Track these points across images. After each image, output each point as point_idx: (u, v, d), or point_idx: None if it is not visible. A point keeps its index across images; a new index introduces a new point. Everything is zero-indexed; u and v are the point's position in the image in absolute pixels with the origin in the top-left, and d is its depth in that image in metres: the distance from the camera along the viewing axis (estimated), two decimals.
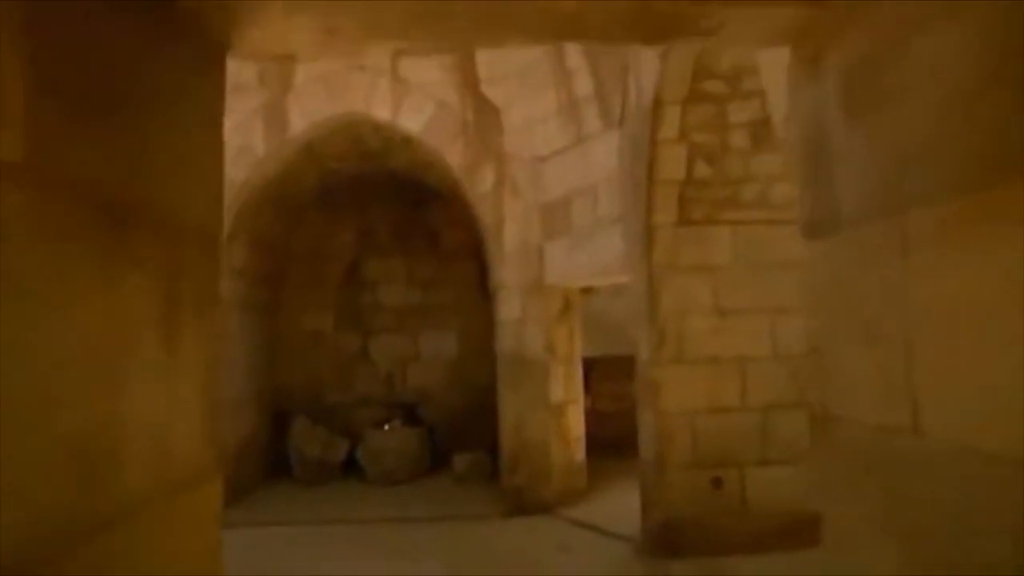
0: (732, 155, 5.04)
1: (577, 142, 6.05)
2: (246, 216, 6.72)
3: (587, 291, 7.12)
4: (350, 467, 7.52)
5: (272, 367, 7.77)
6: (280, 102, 6.41)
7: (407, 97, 6.45)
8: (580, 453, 6.52)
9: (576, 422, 6.50)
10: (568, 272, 6.14)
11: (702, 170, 5.07)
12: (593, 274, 5.96)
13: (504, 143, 6.45)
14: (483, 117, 6.49)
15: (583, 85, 5.88)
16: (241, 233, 6.75)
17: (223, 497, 1.65)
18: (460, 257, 8.27)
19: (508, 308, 6.37)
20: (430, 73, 6.43)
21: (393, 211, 8.29)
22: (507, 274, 6.37)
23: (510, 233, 6.40)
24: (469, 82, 6.46)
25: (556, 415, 6.32)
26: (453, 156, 6.44)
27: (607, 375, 8.22)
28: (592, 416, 7.31)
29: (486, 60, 6.40)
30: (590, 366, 7.45)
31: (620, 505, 5.82)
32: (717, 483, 4.95)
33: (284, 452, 7.62)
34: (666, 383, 5.03)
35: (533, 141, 6.39)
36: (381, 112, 6.43)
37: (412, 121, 6.43)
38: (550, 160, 6.32)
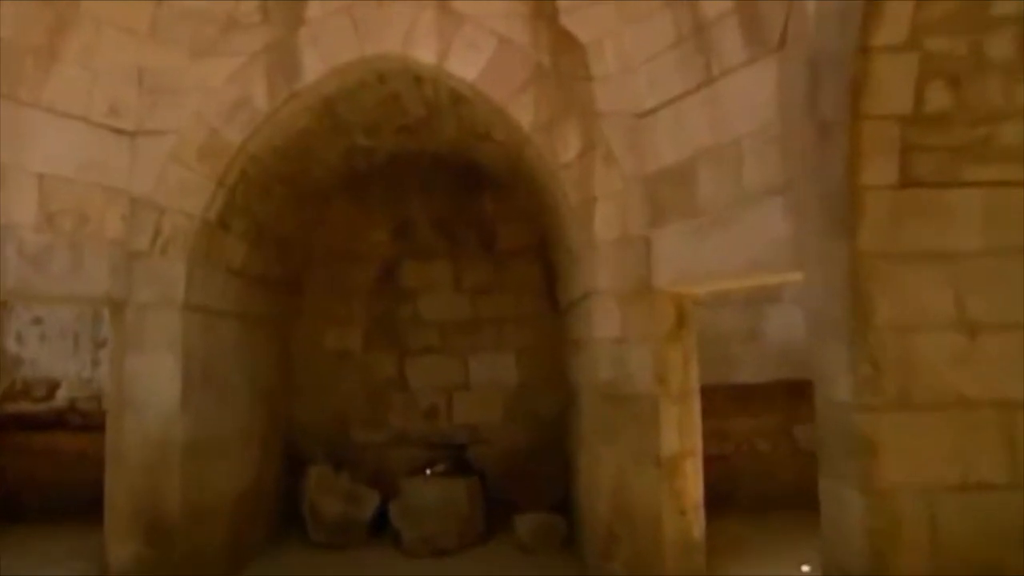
0: (989, 74, 3.01)
1: (704, 83, 4.04)
2: (245, 196, 4.83)
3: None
4: (380, 527, 5.54)
5: (284, 397, 5.86)
6: (289, 42, 4.51)
7: (459, 33, 4.53)
8: (699, 525, 4.46)
9: (695, 482, 4.44)
10: (691, 270, 4.12)
11: (940, 99, 3.03)
12: (735, 271, 3.92)
13: (593, 93, 4.49)
14: (563, 59, 4.52)
15: None
16: (237, 219, 4.86)
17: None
18: (520, 258, 6.30)
19: (601, 323, 4.35)
20: (490, 6, 4.51)
21: (437, 202, 6.35)
22: (600, 275, 4.36)
23: (603, 218, 4.40)
24: (543, 11, 4.52)
25: (669, 473, 4.28)
26: (521, 112, 4.47)
27: (708, 410, 6.16)
28: None
29: None
30: None
31: None
32: None
33: (297, 506, 5.69)
34: (884, 441, 2.98)
35: (634, 89, 4.39)
36: (424, 53, 4.50)
37: (465, 64, 4.48)
38: (660, 113, 4.31)
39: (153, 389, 4.30)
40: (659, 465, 4.27)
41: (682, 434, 4.42)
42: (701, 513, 4.48)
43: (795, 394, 6.50)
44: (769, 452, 6.20)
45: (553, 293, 6.11)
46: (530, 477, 5.91)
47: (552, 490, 5.83)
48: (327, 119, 5.05)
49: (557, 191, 4.57)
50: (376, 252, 6.29)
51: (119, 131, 4.36)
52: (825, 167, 3.28)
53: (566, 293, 5.48)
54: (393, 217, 6.31)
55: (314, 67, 4.49)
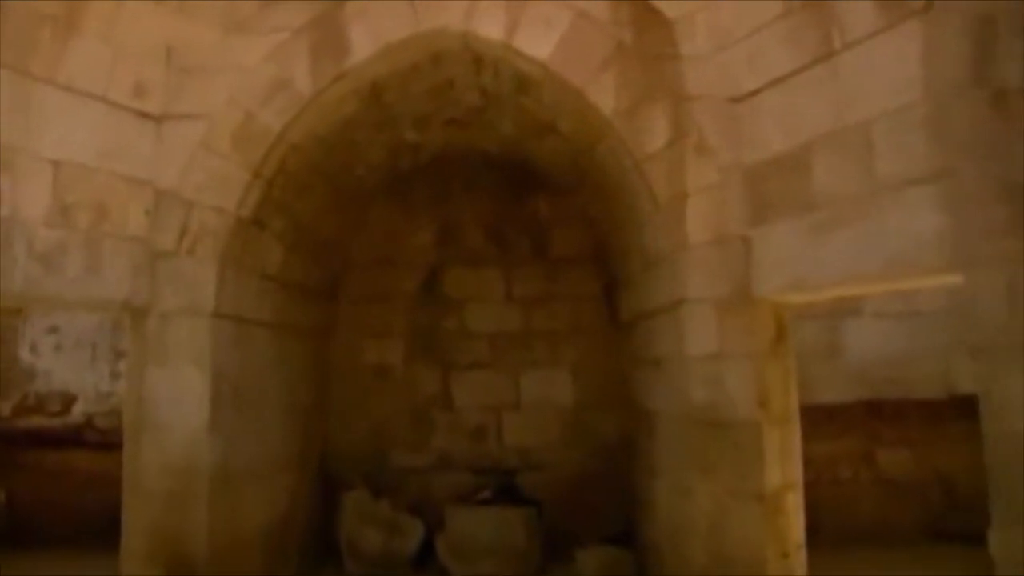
0: None
1: (821, 58, 3.38)
2: (284, 191, 4.20)
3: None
4: (426, 560, 4.87)
5: (320, 415, 5.21)
6: (335, 17, 3.90)
7: (528, 6, 3.90)
8: (803, 568, 3.77)
9: (797, 520, 3.75)
10: (807, 274, 3.42)
11: None
12: (870, 275, 3.21)
13: (683, 75, 3.85)
14: (647, 36, 3.88)
15: None
16: (275, 218, 4.23)
17: None
18: (576, 266, 5.61)
19: (695, 337, 3.67)
20: None
21: (485, 204, 5.69)
22: (693, 281, 3.69)
23: (697, 215, 3.73)
24: None
25: (772, 510, 3.60)
26: (601, 95, 3.82)
27: None
28: None
29: None
30: None
31: None
32: None
33: (332, 536, 5.02)
34: None
35: (731, 69, 3.74)
36: (489, 28, 3.87)
37: (536, 40, 3.84)
38: (762, 95, 3.65)
39: (178, 408, 3.65)
40: (762, 501, 3.57)
41: (784, 465, 3.72)
42: (803, 555, 3.79)
43: (876, 415, 5.81)
44: (850, 480, 5.49)
45: (612, 304, 5.45)
46: (587, 507, 5.21)
47: (611, 521, 5.13)
48: (374, 108, 4.42)
49: (637, 186, 3.90)
50: (419, 258, 5.64)
51: (143, 114, 3.75)
52: (1003, 147, 2.63)
53: (634, 304, 4.81)
54: (437, 220, 5.66)
55: (363, 45, 3.86)
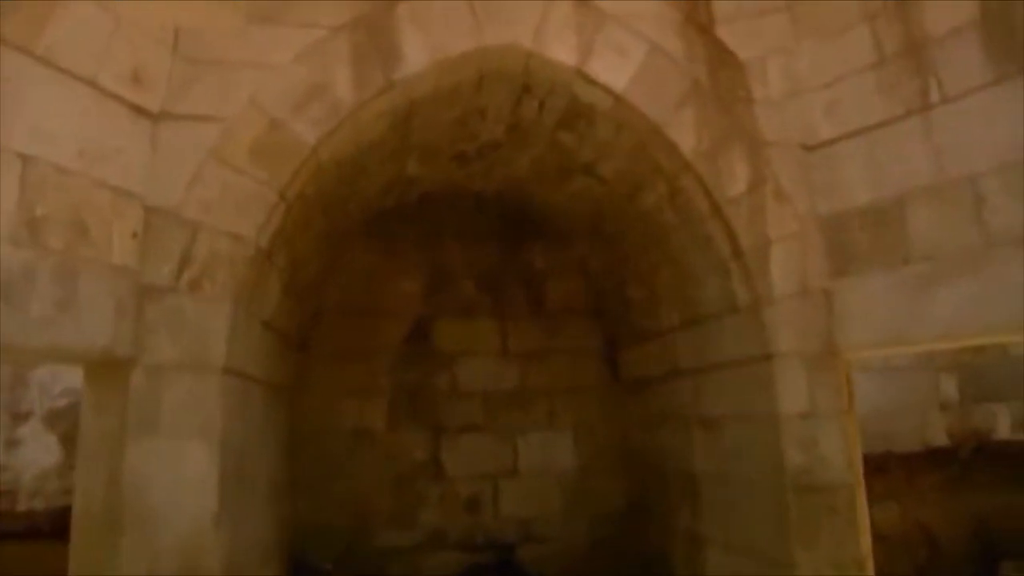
0: None
1: (917, 110, 3.10)
2: (296, 221, 3.29)
3: None
4: None
5: (288, 486, 4.13)
6: (384, 19, 3.14)
7: (601, 32, 3.36)
8: None
9: None
10: (907, 328, 3.03)
11: None
12: (987, 328, 2.89)
13: (756, 119, 3.46)
14: (721, 75, 3.46)
15: (948, 10, 3.02)
16: (281, 252, 3.30)
17: None
18: (575, 318, 4.99)
19: (788, 394, 3.17)
20: (637, 4, 3.41)
21: (479, 250, 4.96)
22: (783, 334, 3.22)
23: (780, 265, 3.30)
24: (696, 17, 3.48)
25: None
26: (682, 133, 3.32)
27: None
28: None
29: None
30: None
31: None
32: None
33: None
34: None
35: (805, 116, 3.40)
36: (560, 51, 3.28)
37: (612, 70, 3.28)
38: (841, 145, 3.31)
39: (175, 496, 2.58)
40: (861, 569, 3.10)
41: (865, 530, 3.30)
42: None
43: (869, 470, 5.63)
44: None
45: (614, 361, 4.88)
46: None
47: None
48: (398, 133, 3.64)
49: (711, 233, 3.40)
50: (405, 307, 4.78)
51: (139, 109, 2.75)
52: None
53: (660, 360, 4.27)
54: (426, 266, 4.85)
55: (417, 54, 3.12)
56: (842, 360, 3.27)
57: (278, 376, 3.75)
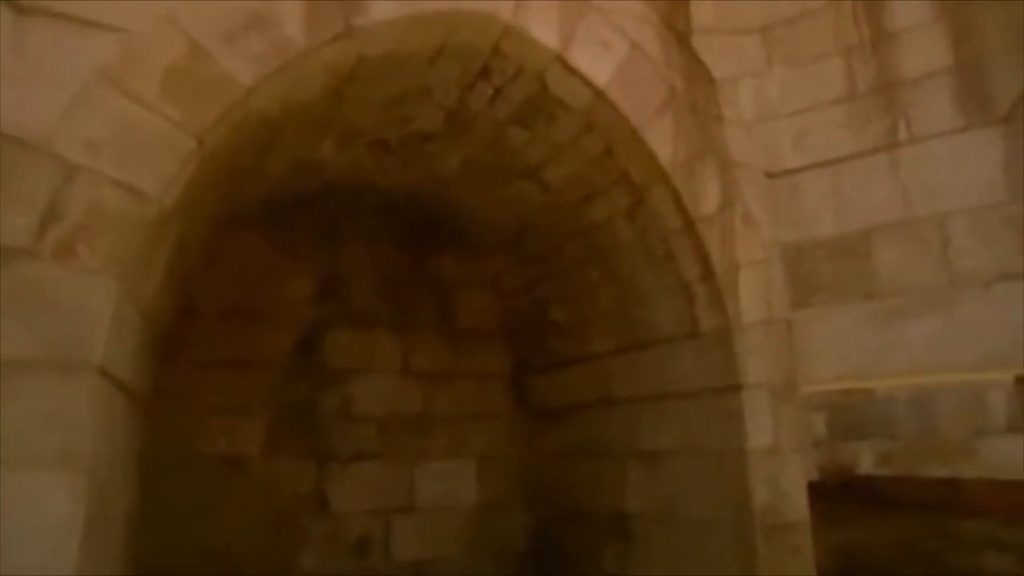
0: None
1: (885, 147, 3.06)
2: (208, 183, 2.51)
3: None
4: None
5: (139, 522, 3.12)
6: None
7: (583, 20, 2.96)
8: None
9: None
10: (872, 363, 2.92)
11: None
12: (953, 364, 2.83)
13: (726, 139, 3.24)
14: (696, 89, 3.23)
15: (923, 55, 3.00)
16: (175, 222, 2.48)
17: None
18: (485, 338, 4.46)
19: (756, 428, 2.90)
20: None
21: (382, 254, 4.26)
22: (751, 364, 2.96)
23: (750, 292, 3.07)
24: (675, 24, 3.21)
25: None
26: (660, 140, 2.98)
27: None
28: None
29: None
30: None
31: None
32: None
33: None
34: None
35: (773, 143, 3.26)
36: (542, 31, 2.83)
37: (594, 61, 2.88)
38: (807, 175, 3.20)
39: (21, 551, 1.72)
40: None
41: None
42: None
43: None
44: None
45: (523, 387, 4.41)
46: None
47: None
48: (328, 101, 2.96)
49: (679, 252, 3.11)
50: (295, 312, 3.95)
51: None
52: None
53: (585, 387, 3.87)
54: (322, 267, 4.07)
55: (387, 2, 2.54)
56: (802, 394, 3.11)
57: (143, 385, 2.85)
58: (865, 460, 5.36)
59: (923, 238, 2.96)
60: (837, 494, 5.28)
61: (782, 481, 2.90)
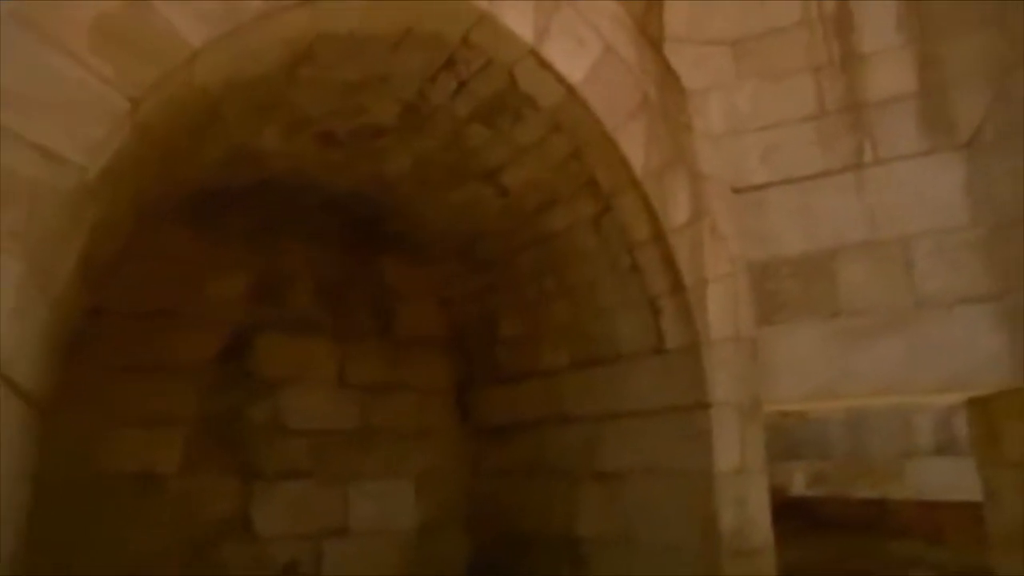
0: None
1: (851, 167, 3.03)
2: (140, 157, 2.17)
3: None
4: None
5: (31, 554, 2.66)
6: None
7: (558, 14, 2.80)
8: None
9: None
10: (838, 382, 2.84)
11: None
12: (925, 385, 2.79)
13: (695, 150, 3.13)
14: (668, 97, 3.12)
15: (890, 78, 3.00)
16: (100, 200, 2.13)
17: None
18: (427, 349, 4.17)
19: (724, 448, 2.77)
20: None
21: (322, 256, 3.92)
22: (719, 381, 2.83)
23: (718, 307, 2.96)
24: (648, 30, 3.10)
25: None
26: (632, 145, 2.83)
27: None
28: None
29: (685, 2, 3.15)
30: None
31: None
32: None
33: None
34: None
35: (741, 157, 3.18)
36: (516, 21, 2.64)
37: (569, 58, 2.72)
38: (774, 191, 3.13)
39: None
40: None
41: None
42: None
43: None
44: None
45: (466, 403, 4.16)
46: None
47: None
48: (283, 80, 2.68)
49: (646, 264, 2.96)
50: (223, 314, 3.55)
51: None
52: None
53: (535, 405, 3.67)
54: (255, 266, 3.68)
55: None
56: (765, 412, 3.03)
57: (43, 390, 2.45)
58: (798, 481, 5.42)
59: (888, 259, 2.96)
60: (772, 515, 5.29)
61: (749, 504, 2.79)
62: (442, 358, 4.19)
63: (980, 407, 3.03)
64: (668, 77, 3.09)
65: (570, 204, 3.20)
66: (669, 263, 2.90)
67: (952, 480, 5.02)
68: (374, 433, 3.89)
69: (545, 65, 2.71)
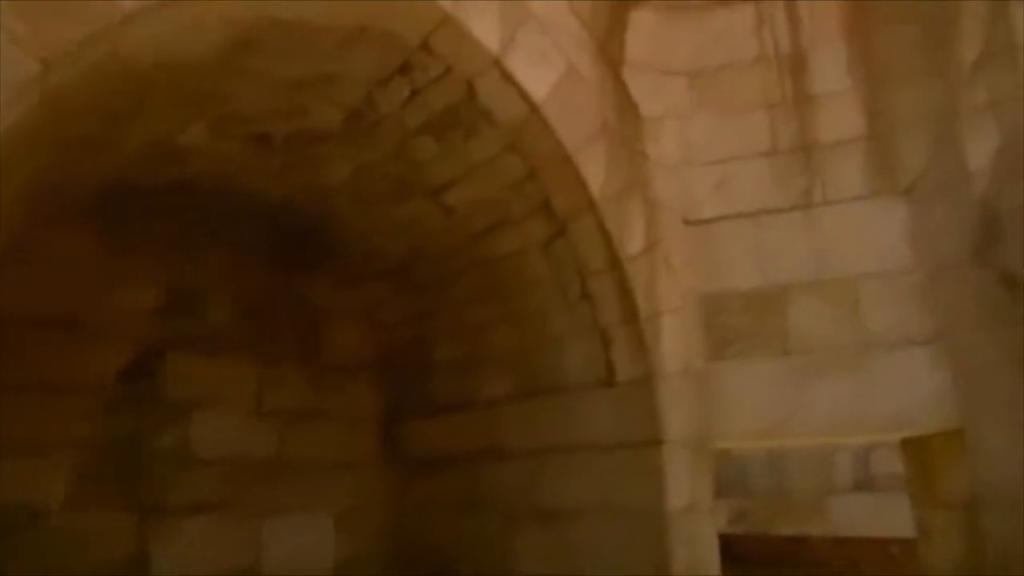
0: None
1: (802, 206, 3.03)
2: (48, 134, 1.86)
3: None
4: None
5: None
6: None
7: (524, 27, 2.67)
8: None
9: None
10: (788, 420, 2.78)
11: None
12: (872, 424, 2.77)
13: (650, 178, 3.06)
14: (626, 123, 3.04)
15: (840, 121, 3.03)
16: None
17: None
18: (354, 377, 3.86)
19: (675, 485, 2.64)
20: (560, 13, 2.82)
21: (245, 269, 3.57)
22: (672, 416, 2.71)
23: (670, 337, 2.85)
24: (608, 54, 3.01)
25: None
26: (593, 168, 2.73)
27: None
28: None
29: (647, 29, 3.10)
30: None
31: None
32: None
33: None
34: None
35: (693, 189, 3.13)
36: (483, 29, 2.49)
37: (533, 72, 2.59)
38: (724, 224, 3.09)
39: None
40: None
41: None
42: None
43: None
44: None
45: (394, 434, 3.87)
46: None
47: None
48: (221, 68, 2.42)
49: (599, 292, 2.84)
50: (129, 327, 3.12)
51: None
52: (1007, 320, 2.62)
53: (473, 438, 3.44)
54: (169, 277, 3.30)
55: None
56: (718, 449, 2.95)
57: None
58: (721, 518, 5.40)
59: (836, 298, 2.97)
60: None
61: (698, 542, 2.68)
62: (370, 385, 3.91)
63: (915, 447, 3.07)
64: (626, 102, 3.03)
65: (520, 227, 3.07)
66: (624, 292, 2.80)
67: (869, 516, 5.16)
68: (293, 464, 3.55)
69: (509, 79, 2.58)
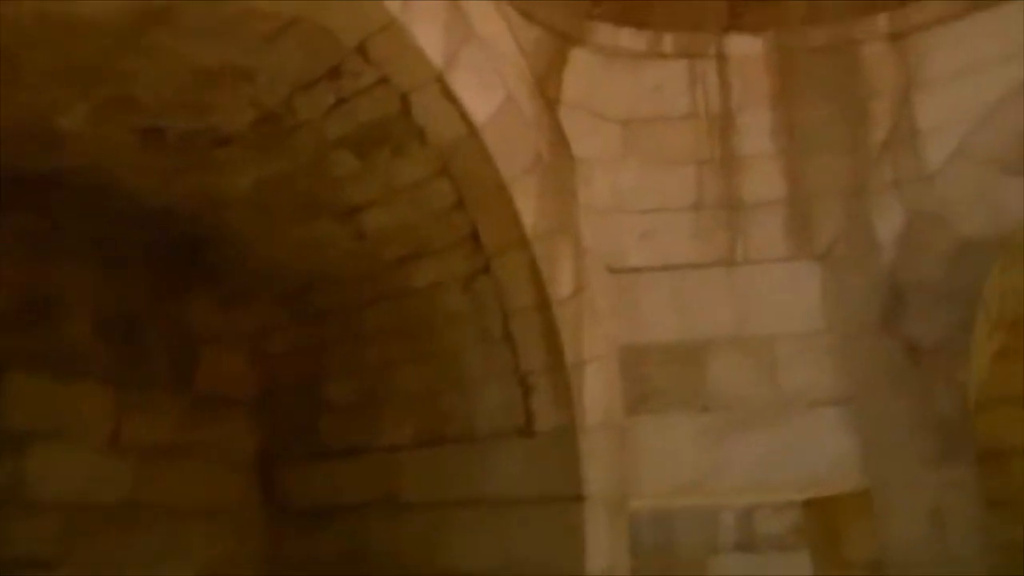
0: None
1: (725, 262, 3.03)
2: None
3: None
4: None
5: None
6: None
7: (466, 47, 2.51)
8: None
9: None
10: (706, 477, 2.71)
11: None
12: (786, 484, 2.73)
13: (580, 223, 2.94)
14: (559, 161, 2.91)
15: (762, 183, 3.08)
16: None
17: None
18: (231, 411, 3.39)
19: (595, 546, 2.43)
20: (502, 40, 2.69)
21: (114, 281, 3.06)
22: (593, 472, 2.51)
23: (593, 388, 2.68)
24: (545, 89, 2.89)
25: None
26: (526, 201, 2.56)
27: None
28: None
29: (585, 70, 3.01)
30: None
31: None
32: None
33: None
34: None
35: (619, 238, 3.06)
36: (428, 39, 2.31)
37: (475, 95, 2.43)
38: (648, 276, 3.02)
39: None
40: None
41: None
42: None
43: None
44: None
45: (274, 479, 3.42)
46: None
47: None
48: (121, 40, 2.07)
49: (522, 335, 2.65)
50: None
51: None
52: (914, 387, 2.74)
53: (365, 488, 3.08)
54: (21, 283, 2.75)
55: None
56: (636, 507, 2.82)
57: None
58: None
59: (754, 356, 2.98)
60: None
61: None
62: (249, 422, 3.47)
63: (819, 508, 3.11)
64: (560, 140, 2.94)
65: (441, 258, 2.86)
66: (551, 336, 2.65)
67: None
68: (151, 509, 3.03)
69: (451, 97, 2.42)
